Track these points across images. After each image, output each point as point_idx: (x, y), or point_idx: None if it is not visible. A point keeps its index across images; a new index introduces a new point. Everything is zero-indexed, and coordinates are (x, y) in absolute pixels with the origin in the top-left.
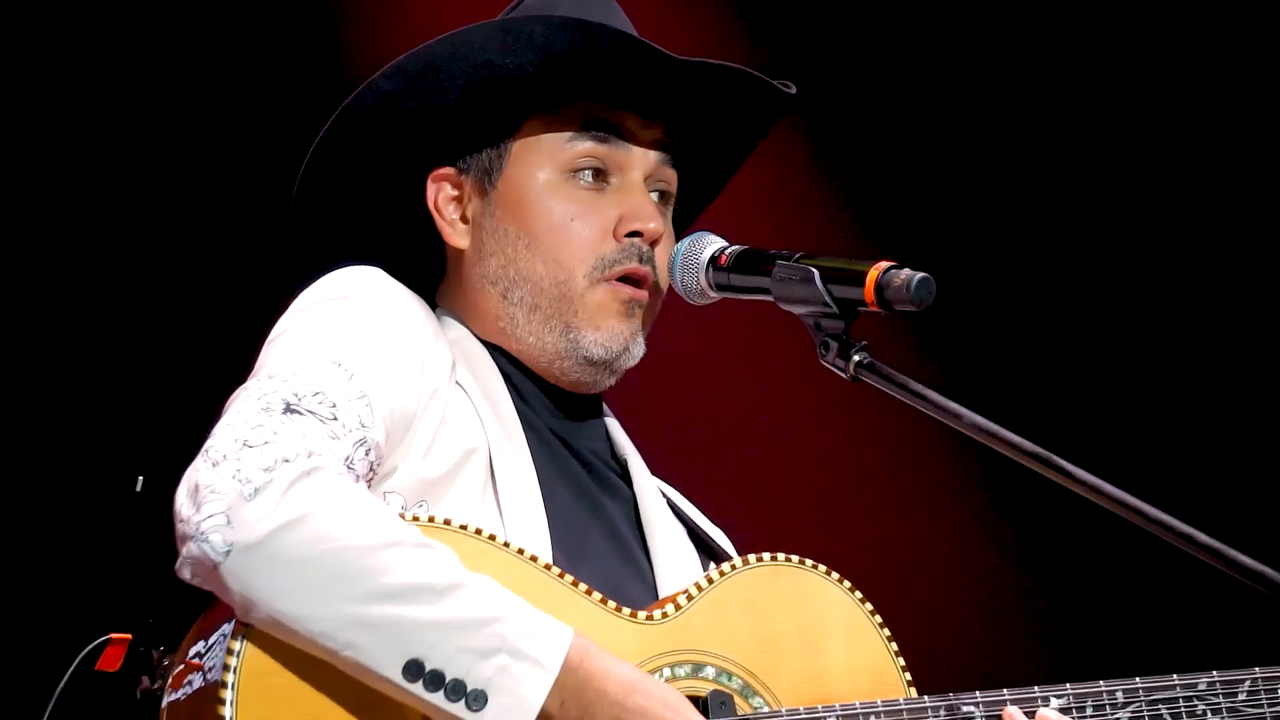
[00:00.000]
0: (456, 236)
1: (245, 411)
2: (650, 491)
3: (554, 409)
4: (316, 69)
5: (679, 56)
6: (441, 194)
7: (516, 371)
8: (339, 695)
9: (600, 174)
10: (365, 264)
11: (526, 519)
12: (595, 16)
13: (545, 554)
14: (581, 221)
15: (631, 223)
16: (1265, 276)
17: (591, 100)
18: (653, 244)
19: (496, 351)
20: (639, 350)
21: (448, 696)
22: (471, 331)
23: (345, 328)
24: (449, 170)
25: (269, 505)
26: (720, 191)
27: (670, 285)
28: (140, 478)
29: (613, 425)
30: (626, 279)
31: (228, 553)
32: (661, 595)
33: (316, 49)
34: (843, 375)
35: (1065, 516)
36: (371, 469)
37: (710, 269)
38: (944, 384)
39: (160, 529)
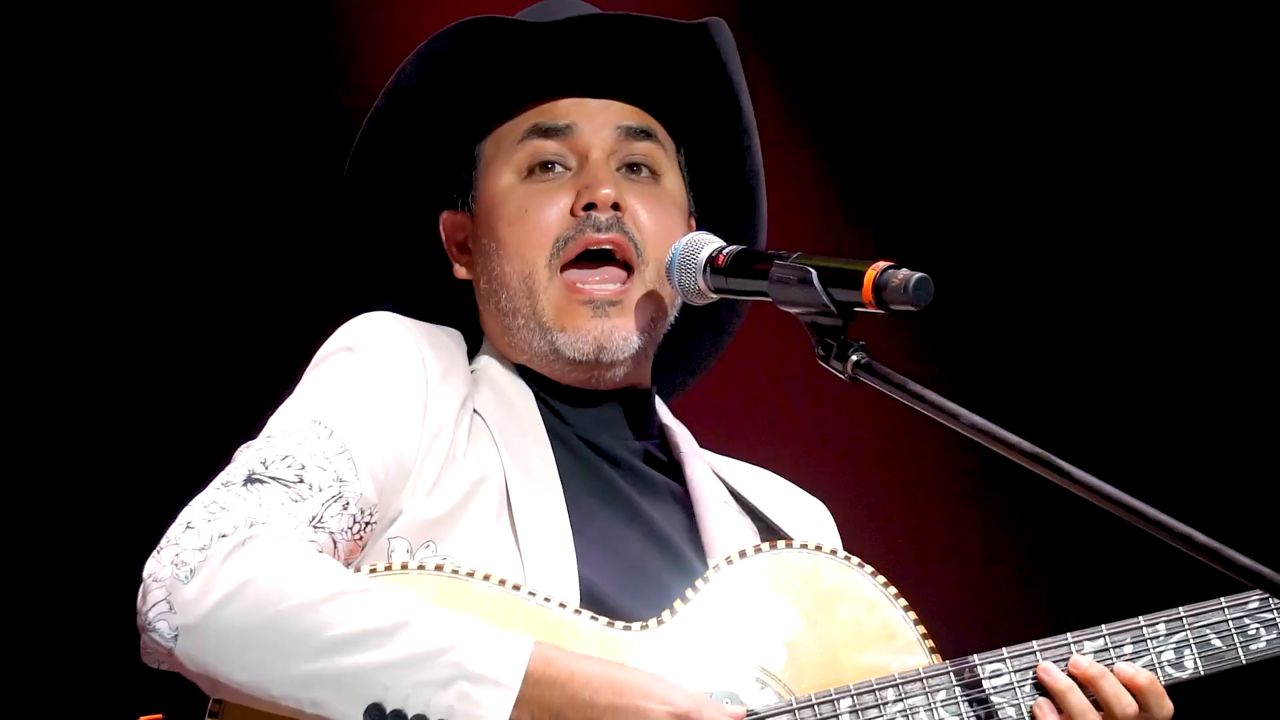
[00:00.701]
0: (460, 268)
1: (208, 491)
2: (705, 486)
3: (591, 417)
4: (316, 73)
5: (545, 20)
6: (450, 233)
7: (547, 385)
8: None
9: (553, 165)
10: (384, 305)
11: (546, 536)
12: (579, 8)
13: (568, 566)
14: (535, 210)
15: (584, 196)
16: (1264, 276)
17: (536, 99)
18: (616, 209)
19: (524, 369)
20: (622, 344)
21: None
22: (499, 354)
23: (338, 382)
24: (451, 211)
25: (205, 583)
26: (747, 152)
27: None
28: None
29: (668, 421)
30: (587, 255)
31: (175, 637)
32: None
33: (316, 51)
34: (841, 375)
35: (1065, 517)
36: (356, 521)
37: (707, 269)
38: (942, 384)
39: None
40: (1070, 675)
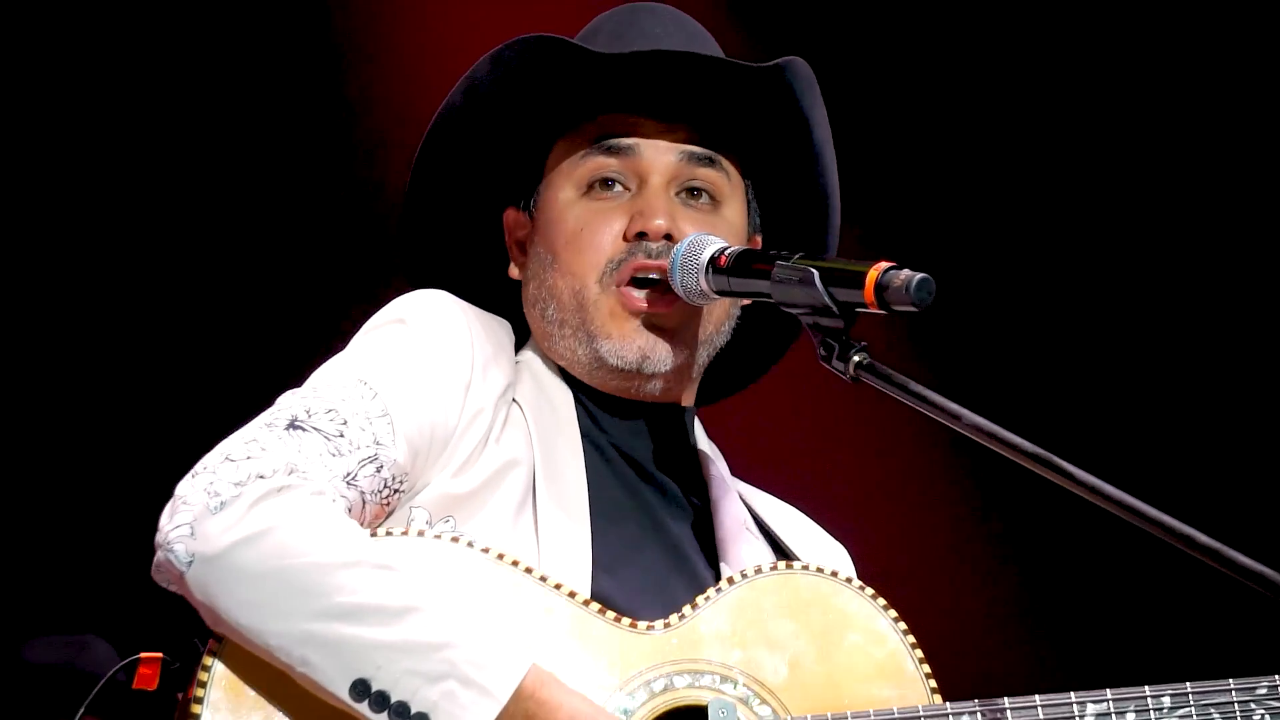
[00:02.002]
0: (515, 268)
1: (250, 427)
2: (728, 510)
3: (627, 426)
4: (317, 74)
5: (616, 53)
6: (512, 230)
7: (587, 390)
8: (306, 709)
9: (614, 184)
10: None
11: (566, 532)
12: (656, 28)
13: (584, 566)
14: (590, 230)
15: (637, 223)
16: (1264, 276)
17: (606, 113)
18: (669, 239)
19: (565, 372)
20: (666, 357)
21: (391, 718)
22: (542, 353)
23: (388, 349)
24: (514, 209)
25: (232, 519)
26: (822, 186)
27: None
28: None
29: (704, 444)
30: (637, 280)
31: (190, 563)
32: None
33: (316, 53)
34: (842, 376)
35: (1065, 517)
36: (387, 485)
37: (710, 270)
38: (943, 385)
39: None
40: None
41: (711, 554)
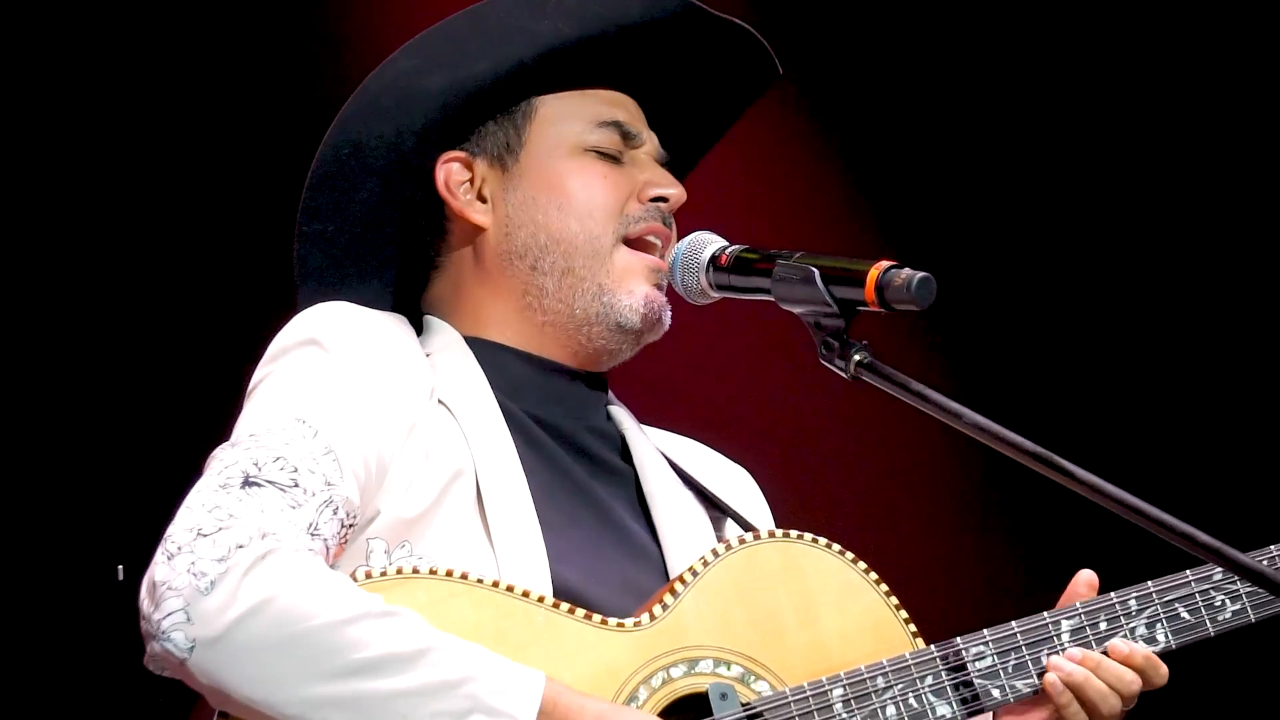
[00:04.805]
0: (477, 214)
1: (204, 492)
2: (652, 466)
3: (545, 395)
4: (308, 72)
5: (731, 19)
6: (451, 178)
7: (513, 362)
8: None
9: (620, 145)
10: (337, 292)
11: (517, 532)
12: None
13: (541, 564)
14: (606, 180)
15: (656, 188)
16: (1265, 276)
17: (609, 74)
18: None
19: (488, 346)
20: (668, 320)
21: None
22: (447, 333)
23: (312, 378)
24: (458, 153)
25: (226, 596)
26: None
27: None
28: (120, 567)
29: (613, 402)
30: (647, 242)
31: (191, 649)
32: (671, 571)
33: (309, 51)
34: (843, 375)
35: (1065, 516)
36: (344, 525)
37: (710, 269)
38: (944, 383)
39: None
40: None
41: (643, 509)
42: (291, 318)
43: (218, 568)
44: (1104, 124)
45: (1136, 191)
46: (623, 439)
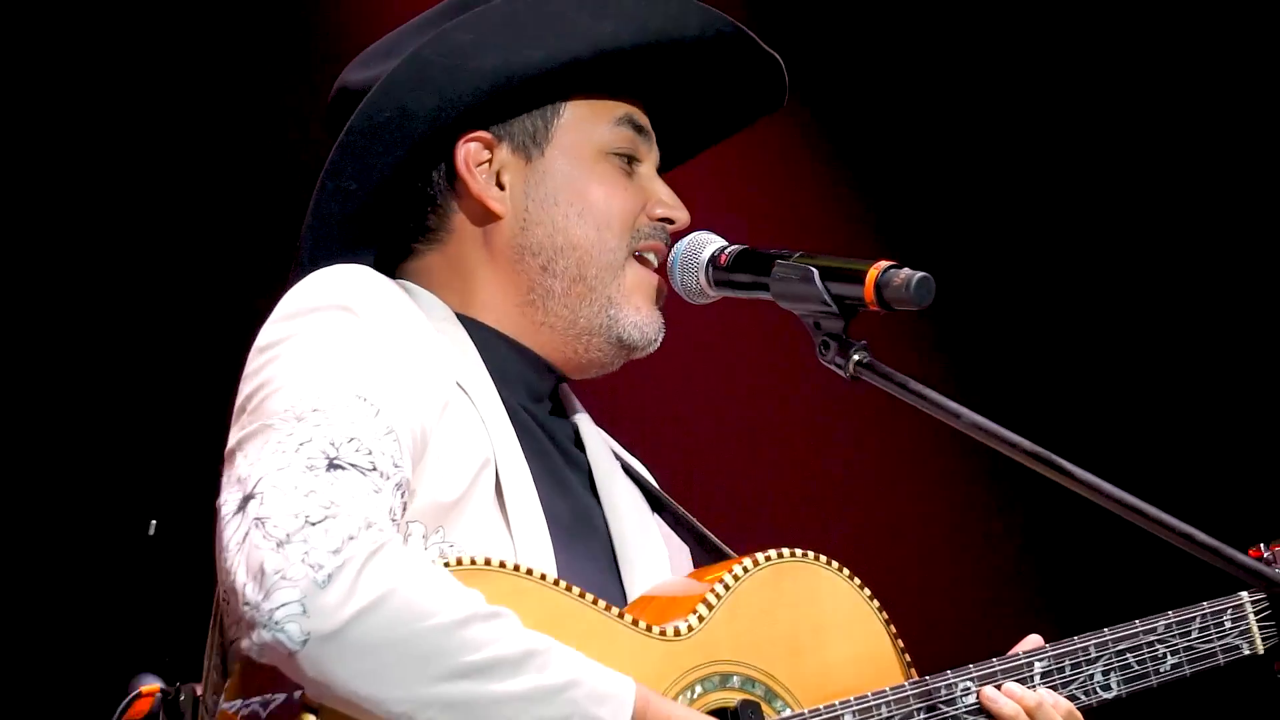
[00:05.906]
0: (494, 201)
1: (290, 471)
2: (604, 458)
3: (532, 391)
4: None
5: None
6: (471, 156)
7: (506, 350)
8: None
9: (635, 147)
10: (347, 255)
11: (532, 528)
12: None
13: (549, 556)
14: (626, 193)
15: (665, 209)
16: (1266, 276)
17: (636, 84)
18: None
19: (481, 327)
20: (661, 341)
21: None
22: (452, 316)
23: (356, 350)
24: (483, 133)
25: (344, 591)
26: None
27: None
28: (154, 521)
29: (565, 390)
30: (650, 258)
31: (304, 642)
32: (622, 564)
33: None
34: (842, 374)
35: (1065, 516)
36: (405, 507)
37: (710, 268)
38: (944, 384)
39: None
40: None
41: (595, 497)
42: (296, 271)
43: (334, 560)
44: (1103, 124)
45: (1136, 192)
46: (576, 428)
